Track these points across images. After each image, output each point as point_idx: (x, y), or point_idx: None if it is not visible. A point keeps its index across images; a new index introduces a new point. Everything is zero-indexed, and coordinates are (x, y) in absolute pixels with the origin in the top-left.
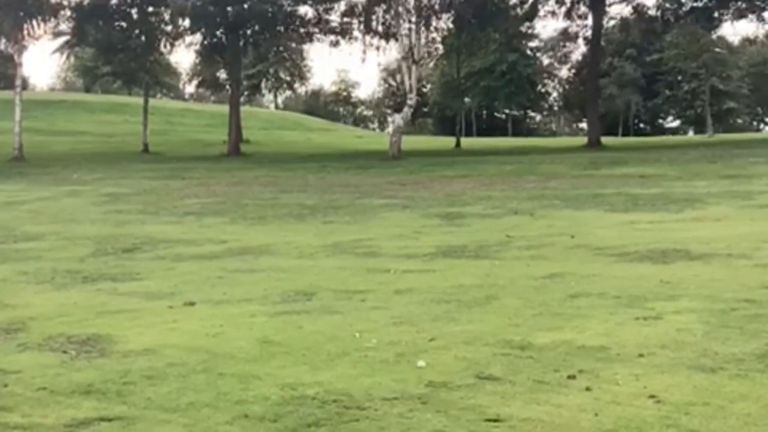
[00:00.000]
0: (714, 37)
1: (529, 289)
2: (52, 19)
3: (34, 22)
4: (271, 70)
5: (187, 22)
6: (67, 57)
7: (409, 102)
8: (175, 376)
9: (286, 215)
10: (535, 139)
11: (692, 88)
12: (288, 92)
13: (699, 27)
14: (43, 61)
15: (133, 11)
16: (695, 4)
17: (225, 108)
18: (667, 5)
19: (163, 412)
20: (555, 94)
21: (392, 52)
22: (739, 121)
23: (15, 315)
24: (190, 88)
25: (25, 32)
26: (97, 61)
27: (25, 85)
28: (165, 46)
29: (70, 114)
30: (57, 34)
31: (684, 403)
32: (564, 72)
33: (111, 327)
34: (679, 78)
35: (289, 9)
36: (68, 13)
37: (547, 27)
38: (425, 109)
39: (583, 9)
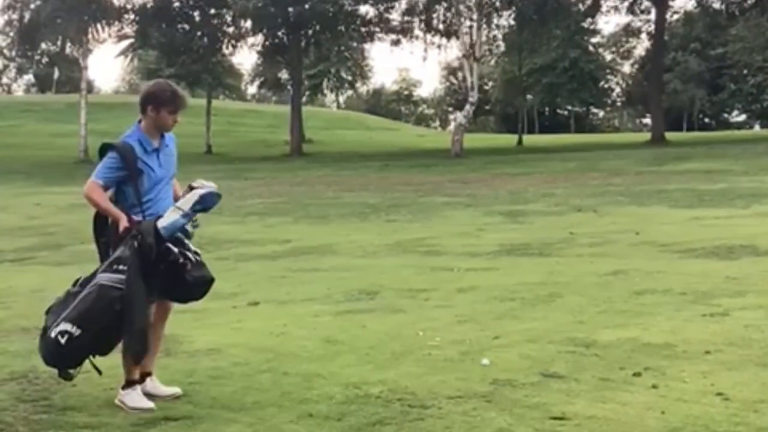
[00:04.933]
0: None
1: (593, 286)
2: (116, 23)
3: (99, 26)
4: (333, 70)
5: (248, 24)
6: (131, 60)
7: (470, 100)
8: (239, 376)
9: (348, 214)
10: (598, 135)
11: (758, 81)
12: (349, 92)
13: (764, 20)
14: (108, 64)
15: (196, 13)
16: None
17: (287, 108)
18: None
19: (228, 411)
20: (618, 90)
21: (453, 50)
22: None
23: None
24: (252, 89)
25: (90, 36)
26: (161, 64)
27: (90, 88)
28: (227, 48)
29: (134, 116)
30: (121, 37)
31: (752, 400)
32: (627, 67)
33: (176, 327)
34: (745, 72)
35: (349, 8)
36: (132, 16)
37: (609, 22)
38: (487, 107)
39: (645, 4)
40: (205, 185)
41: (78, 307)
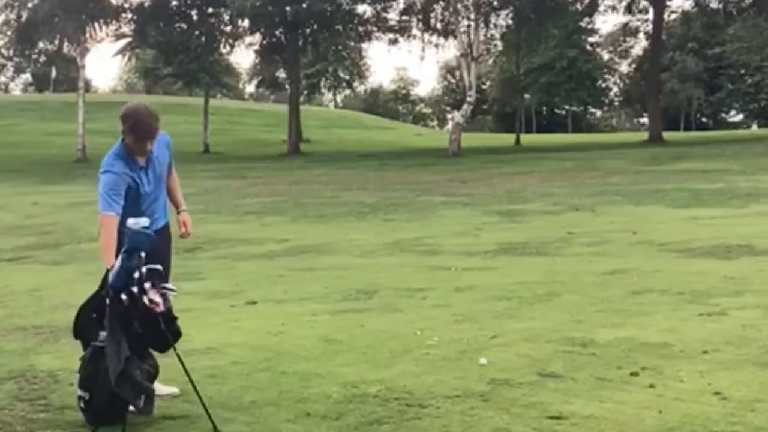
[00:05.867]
0: None
1: (590, 285)
2: (114, 22)
3: (96, 25)
4: (330, 69)
5: (246, 23)
6: (129, 59)
7: (468, 99)
8: (237, 375)
9: (346, 213)
10: (596, 135)
11: (756, 81)
12: (347, 91)
13: (762, 19)
14: (105, 63)
15: (193, 12)
16: None
17: (284, 107)
18: None
19: (226, 410)
20: (615, 90)
21: (451, 50)
22: None
23: None
24: (249, 88)
25: (88, 35)
26: (158, 63)
27: (87, 87)
28: (225, 47)
29: None
30: (118, 37)
31: (750, 399)
32: (624, 67)
33: None
34: (742, 71)
35: (347, 8)
36: (129, 15)
37: (607, 22)
38: (485, 106)
39: (643, 3)
40: (128, 225)
41: (82, 371)
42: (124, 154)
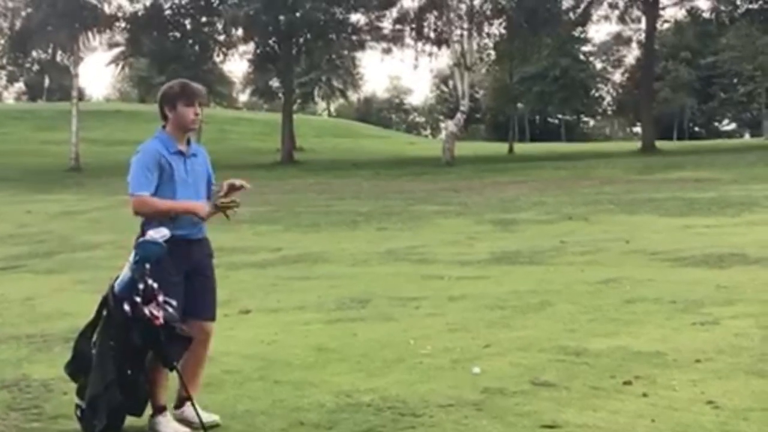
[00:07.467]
0: None
1: (584, 294)
2: (107, 31)
3: (90, 34)
4: (324, 78)
5: (240, 32)
6: (122, 68)
7: (461, 108)
8: (231, 384)
9: (339, 222)
10: (589, 144)
11: (748, 90)
12: (340, 100)
13: (754, 29)
14: (99, 72)
15: (187, 21)
16: (750, 6)
17: (278, 116)
18: (722, 7)
19: (220, 419)
20: (608, 99)
21: (444, 59)
22: None
23: (75, 323)
24: (243, 97)
25: (81, 43)
26: (151, 72)
27: (81, 96)
28: (218, 56)
29: (126, 124)
30: (112, 45)
31: (742, 408)
32: (617, 76)
33: None
34: (735, 80)
35: (341, 17)
36: (123, 24)
37: (600, 31)
38: (478, 115)
39: (636, 13)
40: (148, 235)
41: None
42: (165, 136)
